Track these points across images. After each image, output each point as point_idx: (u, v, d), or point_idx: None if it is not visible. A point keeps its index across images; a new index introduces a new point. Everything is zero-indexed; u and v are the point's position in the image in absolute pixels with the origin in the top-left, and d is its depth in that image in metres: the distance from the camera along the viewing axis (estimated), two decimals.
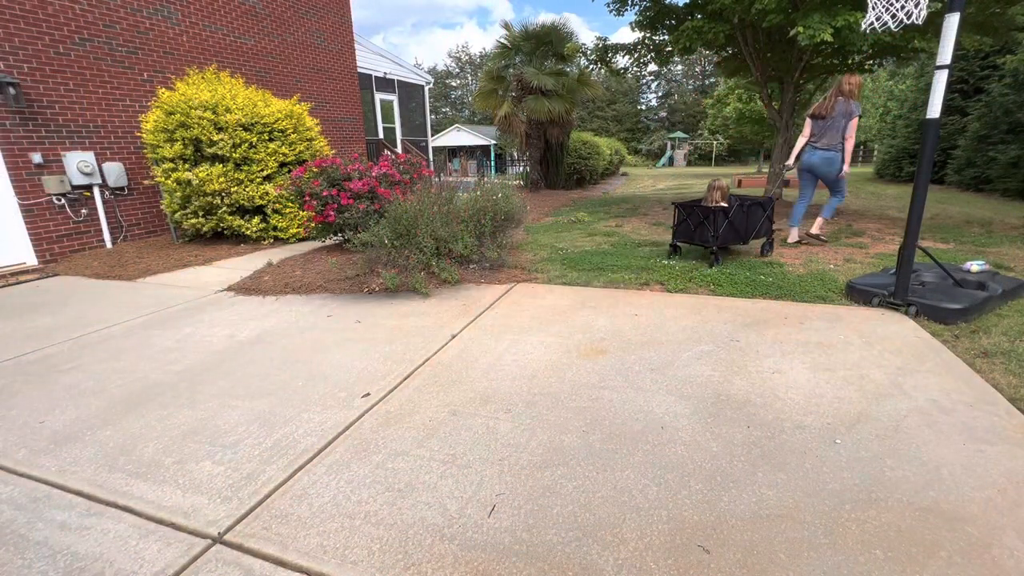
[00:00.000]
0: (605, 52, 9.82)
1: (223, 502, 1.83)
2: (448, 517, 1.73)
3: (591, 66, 10.64)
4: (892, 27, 3.45)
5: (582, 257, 5.44)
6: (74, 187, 6.26)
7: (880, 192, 13.25)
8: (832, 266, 4.89)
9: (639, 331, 3.37)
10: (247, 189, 6.25)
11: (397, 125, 15.65)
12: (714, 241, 4.76)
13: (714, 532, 1.64)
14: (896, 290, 3.59)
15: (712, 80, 46.65)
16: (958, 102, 14.38)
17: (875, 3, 3.49)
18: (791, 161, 5.78)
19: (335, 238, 6.13)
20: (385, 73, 14.75)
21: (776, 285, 4.24)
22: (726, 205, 4.87)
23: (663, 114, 51.37)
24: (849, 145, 5.24)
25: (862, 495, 1.78)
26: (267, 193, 6.37)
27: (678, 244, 5.27)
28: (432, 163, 18.10)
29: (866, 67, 9.26)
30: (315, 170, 5.70)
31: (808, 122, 5.56)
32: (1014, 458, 1.96)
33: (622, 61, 10.09)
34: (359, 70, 11.78)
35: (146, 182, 6.97)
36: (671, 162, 37.06)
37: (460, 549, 1.59)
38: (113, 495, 1.88)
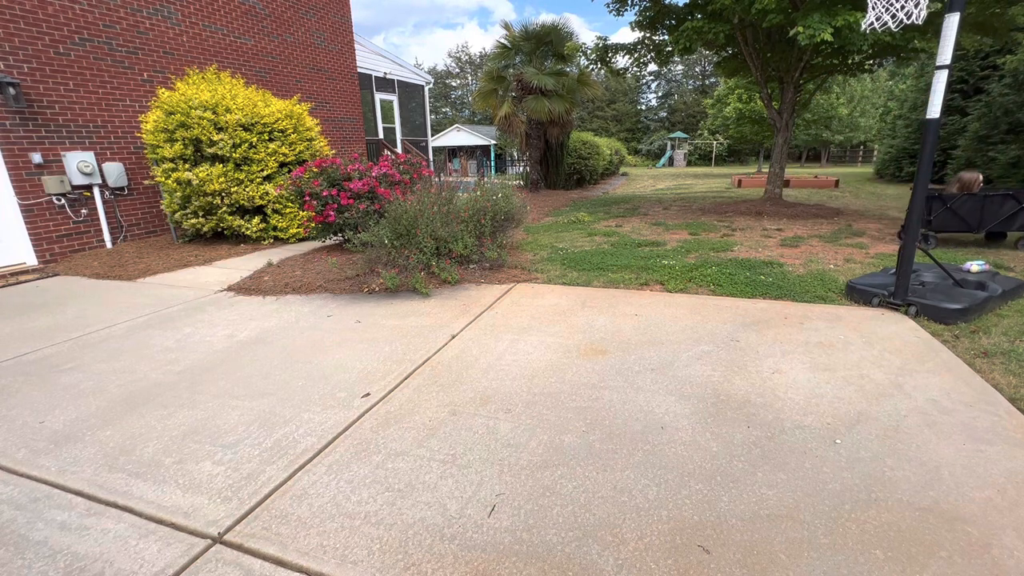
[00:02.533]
0: (605, 52, 9.81)
1: (223, 502, 1.83)
2: (448, 517, 1.73)
3: (591, 66, 10.65)
4: (892, 27, 3.45)
5: (582, 257, 5.44)
6: (74, 187, 6.26)
7: (880, 192, 13.25)
8: (832, 266, 4.89)
9: (639, 331, 3.37)
10: (247, 189, 6.25)
11: (397, 125, 15.65)
12: (926, 225, 5.37)
13: (714, 532, 1.64)
14: (896, 290, 3.59)
15: (712, 80, 46.64)
16: (958, 102, 14.39)
17: (875, 3, 3.49)
18: None
19: (335, 238, 6.14)
20: (385, 73, 14.74)
21: (776, 285, 4.24)
22: (954, 192, 5.28)
23: (663, 114, 51.36)
24: None
25: (862, 495, 1.78)
26: (267, 193, 6.37)
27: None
28: (432, 163, 18.10)
29: (866, 67, 9.26)
30: (315, 170, 5.70)
31: None
32: (1014, 458, 1.96)
33: (622, 61, 10.09)
34: (359, 70, 11.78)
35: (146, 182, 6.98)
36: (671, 162, 37.03)
37: (460, 549, 1.59)
38: (113, 495, 1.88)
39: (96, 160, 6.42)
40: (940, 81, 3.13)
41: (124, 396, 2.66)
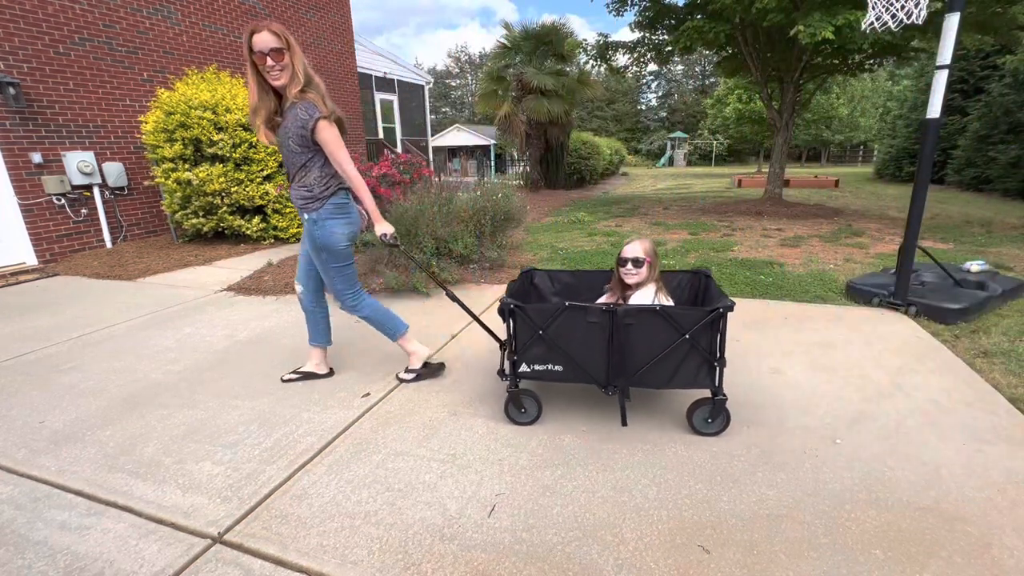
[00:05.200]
0: (606, 49, 9.82)
1: (223, 502, 1.83)
2: (448, 517, 1.73)
3: (591, 61, 10.63)
4: (892, 27, 3.45)
5: (582, 257, 5.43)
6: (74, 187, 6.25)
7: (880, 192, 13.25)
8: (832, 266, 4.89)
9: None
10: (247, 189, 6.25)
11: (397, 125, 15.64)
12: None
13: (714, 532, 1.64)
14: (896, 290, 3.59)
15: (712, 80, 46.61)
16: (958, 102, 14.38)
17: (875, 3, 3.48)
18: None
19: None
20: (385, 73, 14.74)
21: (776, 285, 4.24)
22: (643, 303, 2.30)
23: (663, 114, 51.33)
24: None
25: (862, 495, 1.78)
26: (267, 193, 6.37)
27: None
28: (432, 163, 18.09)
29: (866, 67, 9.26)
30: None
31: None
32: (1014, 458, 1.96)
33: (622, 59, 10.10)
34: (359, 70, 11.77)
35: (146, 183, 6.97)
36: (671, 162, 37.03)
37: (460, 549, 1.59)
38: (113, 495, 1.88)
39: (96, 160, 6.41)
40: (940, 81, 3.13)
41: (124, 396, 2.66)
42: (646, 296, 2.34)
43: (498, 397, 2.53)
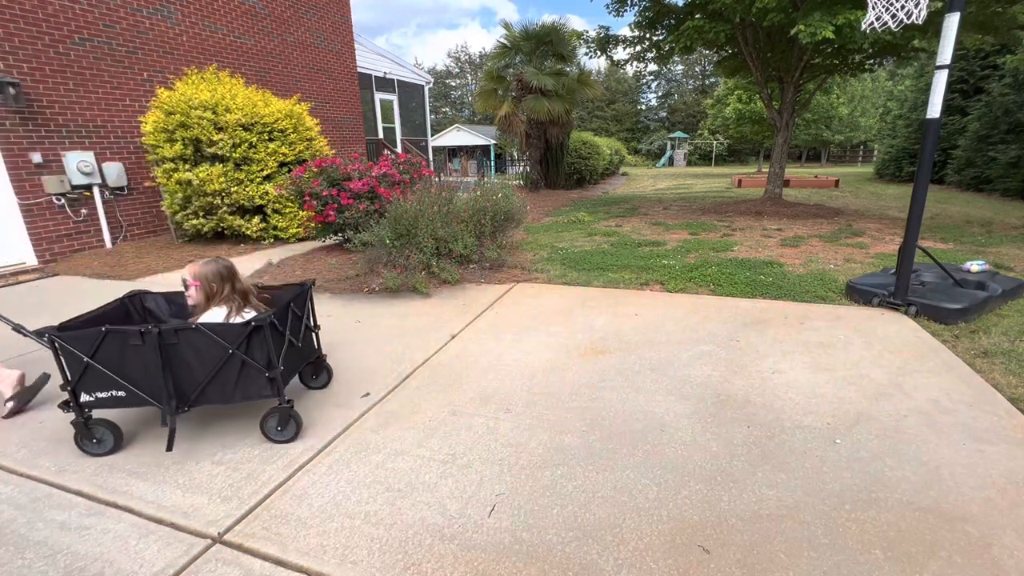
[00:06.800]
0: (606, 42, 9.82)
1: (223, 502, 1.83)
2: (448, 517, 1.73)
3: (590, 53, 10.59)
4: (892, 27, 3.45)
5: (582, 257, 5.44)
6: (74, 187, 6.25)
7: (880, 192, 13.25)
8: (832, 266, 4.89)
9: (639, 331, 3.37)
10: (247, 189, 6.25)
11: (397, 125, 15.64)
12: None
13: (714, 532, 1.64)
14: (896, 290, 3.59)
15: (712, 80, 46.59)
16: (958, 102, 14.37)
17: (875, 3, 3.48)
18: None
19: (335, 238, 6.13)
20: (385, 73, 14.74)
21: (776, 285, 4.23)
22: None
23: (663, 114, 51.31)
24: None
25: (862, 495, 1.78)
26: (267, 193, 6.37)
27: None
28: (432, 163, 18.09)
29: (866, 67, 9.25)
30: (315, 170, 5.70)
31: None
32: (1014, 458, 1.96)
33: (622, 53, 10.10)
34: (359, 70, 11.77)
35: (147, 183, 6.97)
36: (671, 162, 37.02)
37: (460, 549, 1.59)
38: (113, 495, 1.88)
39: (96, 160, 6.41)
40: (940, 81, 3.13)
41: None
42: (216, 317, 2.26)
43: (499, 397, 2.54)
